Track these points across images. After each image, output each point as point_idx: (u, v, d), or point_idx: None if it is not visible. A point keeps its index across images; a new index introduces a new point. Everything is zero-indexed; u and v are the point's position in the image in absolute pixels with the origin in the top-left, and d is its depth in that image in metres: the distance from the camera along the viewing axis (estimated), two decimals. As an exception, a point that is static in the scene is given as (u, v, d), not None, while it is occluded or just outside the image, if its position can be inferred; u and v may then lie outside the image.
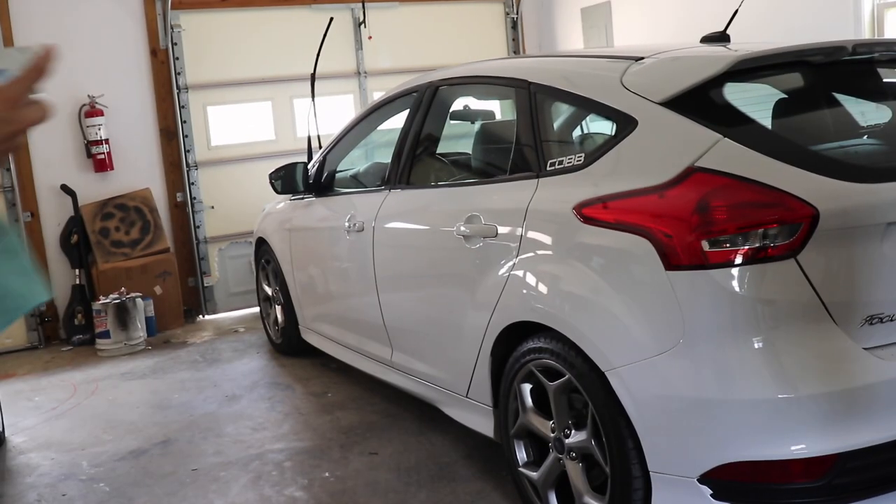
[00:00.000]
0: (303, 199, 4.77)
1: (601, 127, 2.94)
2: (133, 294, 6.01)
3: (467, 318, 3.13)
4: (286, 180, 4.66)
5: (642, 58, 2.78)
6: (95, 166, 6.32)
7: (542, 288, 2.74)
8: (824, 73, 2.76)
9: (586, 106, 2.90)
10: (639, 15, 6.89)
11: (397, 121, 4.03)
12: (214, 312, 6.83)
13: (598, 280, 2.51)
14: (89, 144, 6.27)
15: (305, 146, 5.10)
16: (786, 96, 2.85)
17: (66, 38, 6.24)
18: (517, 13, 7.82)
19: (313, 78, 4.65)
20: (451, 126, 4.06)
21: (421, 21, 7.42)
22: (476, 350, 3.07)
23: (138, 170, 6.54)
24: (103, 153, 6.30)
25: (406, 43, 7.31)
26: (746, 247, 2.22)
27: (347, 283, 4.26)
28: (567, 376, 2.61)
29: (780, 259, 2.21)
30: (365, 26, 7.08)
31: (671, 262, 2.29)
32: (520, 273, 2.82)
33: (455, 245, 3.19)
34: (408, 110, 3.89)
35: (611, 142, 2.64)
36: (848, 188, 2.27)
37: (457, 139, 4.29)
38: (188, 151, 6.66)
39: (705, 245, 2.24)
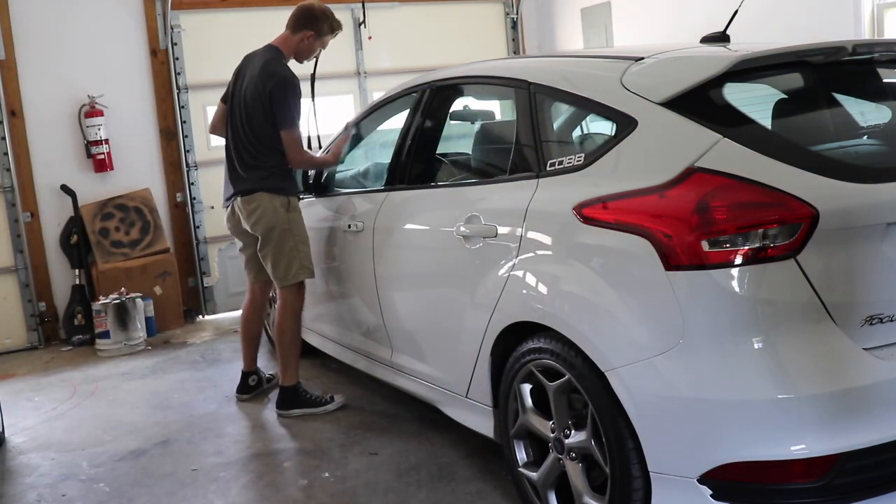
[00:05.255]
0: (303, 199, 4.77)
1: (601, 127, 2.94)
2: (133, 294, 6.02)
3: (467, 318, 3.13)
4: (286, 180, 4.65)
5: (642, 58, 2.78)
6: (95, 166, 6.32)
7: (542, 288, 2.74)
8: (824, 74, 2.75)
9: (586, 106, 2.90)
10: (638, 15, 6.89)
11: (397, 121, 4.04)
12: (214, 312, 6.84)
13: (598, 280, 2.51)
14: (89, 144, 6.28)
15: (306, 147, 5.08)
16: (786, 96, 2.85)
17: (66, 39, 6.26)
18: (517, 13, 7.82)
19: (313, 78, 4.69)
20: (451, 126, 4.05)
21: (421, 21, 7.42)
22: (476, 350, 3.07)
23: (138, 170, 6.55)
24: (103, 153, 6.30)
25: (406, 43, 7.31)
26: (746, 247, 2.21)
27: (347, 283, 4.26)
28: (567, 376, 2.61)
29: (779, 259, 2.21)
30: (365, 26, 7.08)
31: (671, 262, 2.28)
32: (519, 273, 2.82)
33: (455, 245, 3.19)
34: (408, 110, 3.89)
35: (611, 142, 2.64)
36: (848, 188, 2.27)
37: (457, 139, 4.29)
38: (188, 151, 6.67)
39: (705, 245, 2.24)
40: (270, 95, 4.04)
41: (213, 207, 6.78)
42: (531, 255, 2.78)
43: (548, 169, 2.84)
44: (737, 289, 2.22)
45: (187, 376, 5.16)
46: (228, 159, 4.25)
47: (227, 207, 4.30)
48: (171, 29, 6.50)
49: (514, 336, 2.86)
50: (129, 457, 3.92)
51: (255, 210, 4.09)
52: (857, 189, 2.28)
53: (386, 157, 4.04)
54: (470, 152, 3.80)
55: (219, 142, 6.76)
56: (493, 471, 3.36)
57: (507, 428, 2.96)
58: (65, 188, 6.25)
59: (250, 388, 4.58)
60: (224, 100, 4.36)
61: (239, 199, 4.14)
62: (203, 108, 6.72)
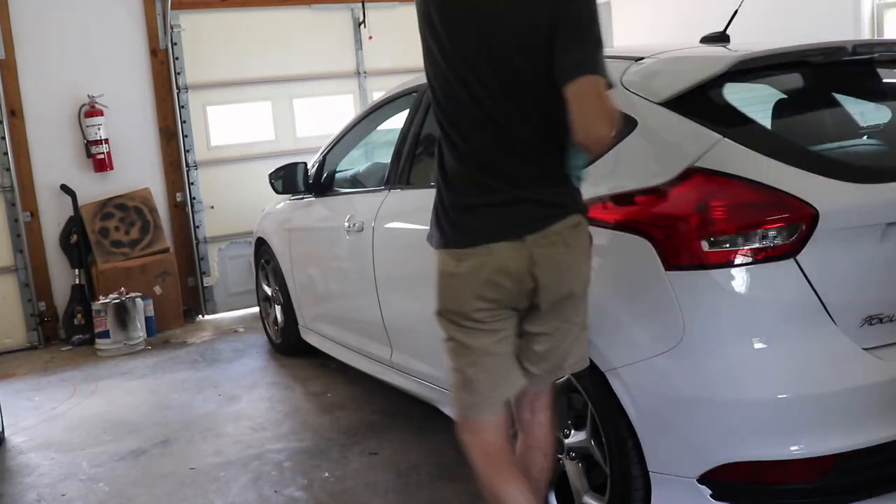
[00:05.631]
0: (303, 199, 4.77)
1: (601, 127, 2.93)
2: (133, 294, 6.01)
3: (467, 318, 3.12)
4: (286, 180, 4.66)
5: (642, 58, 2.77)
6: (95, 166, 6.32)
7: (542, 288, 2.74)
8: (824, 74, 2.75)
9: (586, 106, 2.89)
10: (639, 15, 6.89)
11: (397, 121, 4.03)
12: (214, 312, 6.84)
13: (598, 280, 2.50)
14: (89, 144, 6.27)
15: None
16: (786, 96, 2.85)
17: (66, 39, 6.25)
18: (517, 13, 7.81)
19: None
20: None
21: (421, 21, 7.41)
22: (476, 350, 3.06)
23: (138, 170, 6.54)
24: (103, 153, 6.30)
25: (406, 43, 7.29)
26: (746, 247, 2.22)
27: (347, 283, 4.26)
28: (566, 376, 2.61)
29: (779, 259, 2.21)
30: (365, 26, 7.08)
31: (671, 262, 2.28)
32: (520, 273, 2.82)
33: (455, 245, 3.18)
34: (408, 110, 3.88)
35: (611, 142, 2.63)
36: (848, 188, 2.27)
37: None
38: (188, 151, 6.67)
39: (705, 245, 2.24)
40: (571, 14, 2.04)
41: (212, 207, 6.78)
42: (531, 254, 2.78)
43: (548, 169, 2.83)
44: (737, 289, 2.22)
45: (187, 376, 5.16)
46: (484, 155, 2.18)
47: (491, 245, 2.17)
48: (171, 29, 6.50)
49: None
50: (129, 457, 3.92)
51: (578, 246, 2.21)
52: (857, 189, 2.28)
53: (386, 157, 4.03)
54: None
55: (219, 140, 6.86)
56: (493, 471, 3.36)
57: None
58: (65, 188, 6.25)
59: None
60: (438, 58, 2.16)
61: (558, 224, 2.15)
62: (203, 108, 6.72)
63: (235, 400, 4.62)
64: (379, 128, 4.52)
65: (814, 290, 2.21)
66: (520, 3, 2.07)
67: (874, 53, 2.73)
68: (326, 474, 3.53)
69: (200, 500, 3.39)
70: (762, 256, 2.21)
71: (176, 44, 6.55)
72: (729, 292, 2.23)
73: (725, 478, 2.24)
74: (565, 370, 2.37)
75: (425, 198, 3.62)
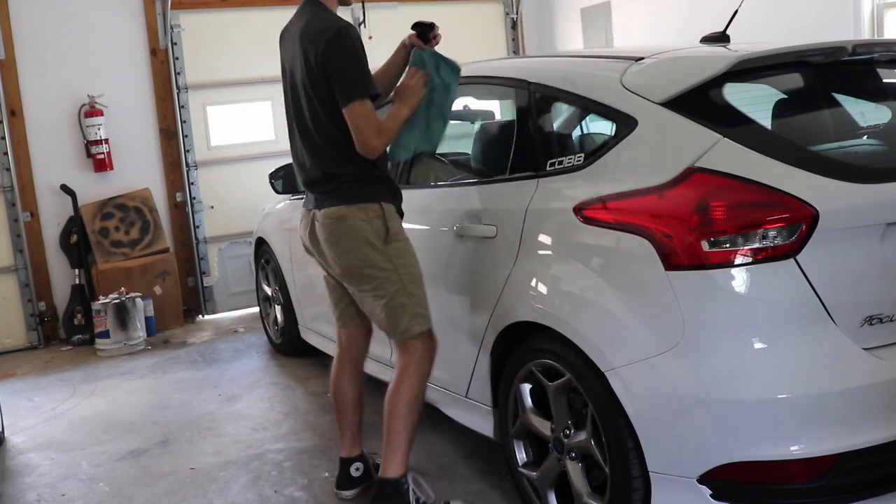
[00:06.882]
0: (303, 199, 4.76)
1: (601, 127, 2.94)
2: (133, 294, 6.01)
3: (467, 318, 3.13)
4: (286, 180, 4.66)
5: (642, 58, 2.78)
6: (95, 166, 6.32)
7: (542, 288, 2.74)
8: (824, 74, 2.76)
9: (586, 106, 2.90)
10: (639, 15, 6.89)
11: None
12: (214, 312, 6.84)
13: (598, 280, 2.51)
14: (89, 144, 6.28)
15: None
16: (786, 96, 2.85)
17: (66, 39, 6.26)
18: (517, 13, 7.82)
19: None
20: (451, 126, 4.04)
21: (421, 21, 7.41)
22: (476, 350, 3.07)
23: (138, 170, 6.54)
24: (103, 153, 6.30)
25: (406, 43, 7.30)
26: (746, 247, 2.22)
27: (347, 283, 4.25)
28: (567, 376, 2.61)
29: (779, 259, 2.21)
30: (365, 26, 7.08)
31: (671, 262, 2.29)
32: (519, 273, 2.82)
33: (455, 245, 3.19)
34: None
35: (611, 142, 2.64)
36: (848, 188, 2.27)
37: (457, 139, 4.28)
38: (188, 151, 6.67)
39: (705, 245, 2.24)
40: (325, 60, 2.90)
41: (212, 207, 6.78)
42: (531, 255, 2.78)
43: (548, 169, 2.84)
44: (737, 289, 2.23)
45: (187, 376, 5.16)
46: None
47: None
48: (171, 28, 6.50)
49: (514, 336, 2.86)
50: (129, 456, 3.92)
51: (338, 234, 2.97)
52: (857, 189, 2.28)
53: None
54: (470, 152, 3.80)
55: (219, 140, 6.86)
56: (493, 470, 3.36)
57: (507, 428, 2.96)
58: (65, 188, 6.25)
59: (354, 480, 3.33)
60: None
61: (322, 211, 3.02)
62: (203, 108, 6.72)
63: (235, 400, 4.62)
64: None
65: (814, 290, 2.22)
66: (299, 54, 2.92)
67: (874, 53, 2.74)
68: (326, 474, 3.53)
69: (200, 500, 3.39)
70: (762, 256, 2.21)
71: (176, 44, 6.55)
72: (729, 292, 2.23)
73: (725, 478, 2.24)
74: (398, 334, 3.00)
75: (425, 197, 3.65)
